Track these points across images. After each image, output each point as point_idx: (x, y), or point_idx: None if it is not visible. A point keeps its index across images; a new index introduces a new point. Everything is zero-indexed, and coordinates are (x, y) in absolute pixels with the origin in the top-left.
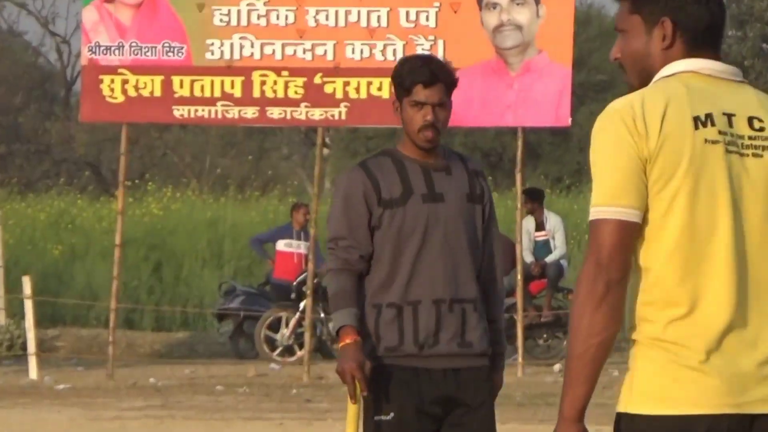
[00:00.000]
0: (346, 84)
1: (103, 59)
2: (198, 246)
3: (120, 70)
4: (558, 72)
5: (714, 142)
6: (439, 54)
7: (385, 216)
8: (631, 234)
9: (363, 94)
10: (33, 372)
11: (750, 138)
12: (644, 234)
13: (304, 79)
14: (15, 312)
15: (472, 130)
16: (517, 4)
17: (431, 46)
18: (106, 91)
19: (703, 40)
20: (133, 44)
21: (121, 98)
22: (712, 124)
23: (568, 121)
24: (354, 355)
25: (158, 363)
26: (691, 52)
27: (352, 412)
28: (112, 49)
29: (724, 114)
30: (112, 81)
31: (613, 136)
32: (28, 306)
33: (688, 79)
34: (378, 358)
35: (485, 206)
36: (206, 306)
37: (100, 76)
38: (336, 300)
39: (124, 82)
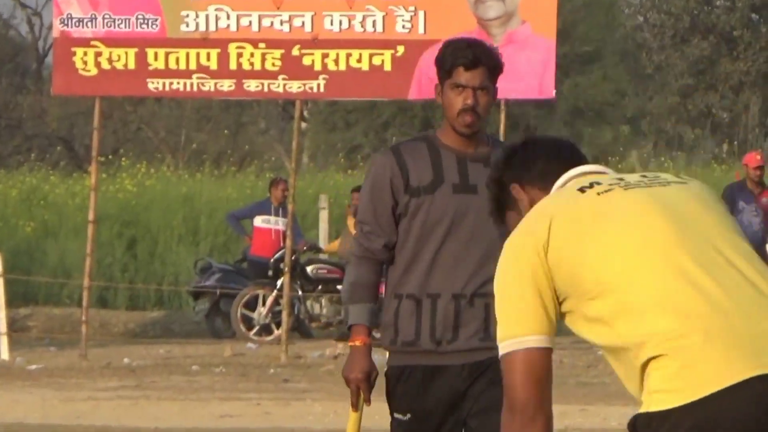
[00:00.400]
0: (325, 56)
1: (76, 31)
2: (173, 223)
3: (93, 43)
4: (541, 43)
5: (607, 190)
6: (420, 24)
7: (412, 204)
8: (547, 362)
9: (342, 66)
10: (4, 352)
11: (644, 177)
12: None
13: (282, 51)
14: None
15: None
16: None
17: (411, 17)
18: (78, 64)
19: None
20: (106, 16)
21: (94, 71)
22: (598, 184)
23: (552, 93)
24: (361, 363)
25: (132, 343)
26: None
27: (353, 419)
28: (85, 21)
29: (613, 179)
30: (85, 54)
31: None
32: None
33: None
34: (397, 352)
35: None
36: (181, 284)
37: (73, 49)
38: (353, 291)
39: (98, 54)
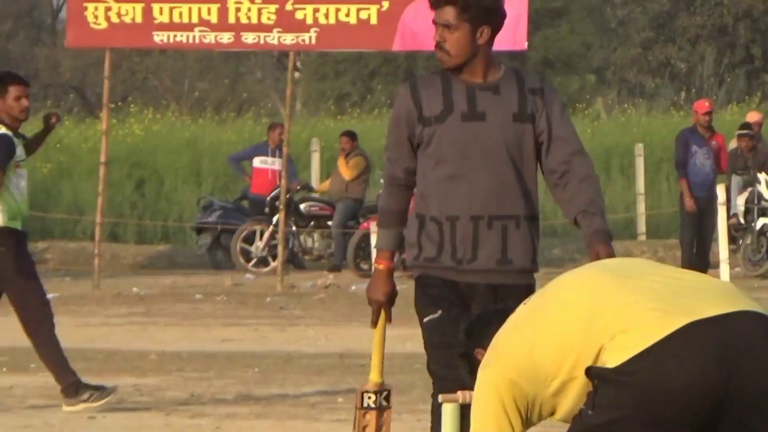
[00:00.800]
0: (316, 11)
1: (90, 14)
2: (178, 164)
3: (97, 2)
4: (514, 0)
5: None
6: None
7: (425, 133)
8: None
9: (332, 20)
10: None
11: None
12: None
13: (276, 6)
14: None
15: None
16: None
17: None
18: (90, 18)
19: None
20: None
21: (104, 25)
22: None
23: (525, 45)
24: (383, 284)
25: (141, 274)
26: None
27: (378, 338)
28: None
29: None
30: (96, 8)
31: None
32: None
33: None
34: (420, 267)
35: (541, 122)
36: (185, 220)
37: (85, 4)
38: (381, 217)
39: (107, 9)
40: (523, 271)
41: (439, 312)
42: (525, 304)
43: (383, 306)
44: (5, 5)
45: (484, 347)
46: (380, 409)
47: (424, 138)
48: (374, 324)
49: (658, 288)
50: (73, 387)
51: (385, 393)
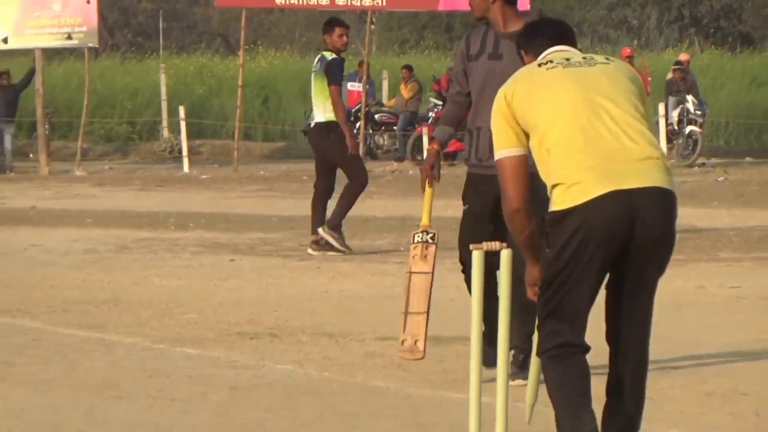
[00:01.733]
0: None
1: None
2: (291, 87)
3: None
4: None
5: (552, 68)
6: None
7: (469, 67)
8: (521, 163)
9: None
10: (186, 168)
11: (584, 58)
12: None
13: None
14: (174, 129)
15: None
16: None
17: None
18: None
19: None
20: None
21: None
22: (551, 62)
23: (528, 6)
24: (430, 159)
25: (265, 162)
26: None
27: (427, 196)
28: None
29: (563, 59)
30: None
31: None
32: (183, 125)
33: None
34: (469, 166)
35: None
36: (296, 125)
37: None
38: (441, 119)
39: None
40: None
41: (467, 206)
42: (539, 67)
43: (429, 173)
44: None
45: (526, 52)
46: (425, 243)
47: (468, 71)
48: (422, 187)
49: (604, 146)
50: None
51: (431, 234)
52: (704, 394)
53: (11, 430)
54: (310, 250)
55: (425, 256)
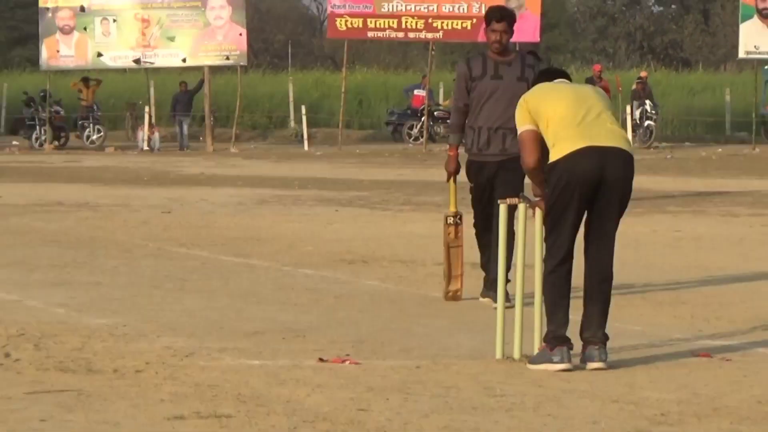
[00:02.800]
0: (443, 22)
1: (338, 11)
2: (379, 92)
3: (343, 15)
4: (531, 16)
5: (558, 83)
6: (482, 8)
7: (472, 85)
8: (535, 136)
9: (449, 26)
10: (306, 147)
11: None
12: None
13: (423, 20)
14: (298, 121)
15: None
16: None
17: (479, 7)
18: (339, 24)
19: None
20: (348, 5)
21: (343, 28)
22: (558, 82)
23: (538, 38)
24: (452, 162)
25: (359, 143)
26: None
27: (452, 189)
28: (338, 5)
29: (565, 81)
30: (340, 20)
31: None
32: (304, 119)
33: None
34: (468, 154)
35: (528, 84)
36: (381, 119)
37: (336, 19)
38: (451, 128)
39: (345, 21)
40: (513, 155)
41: (472, 184)
42: (533, 95)
43: (452, 173)
44: (287, 19)
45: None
46: (455, 225)
47: (472, 88)
48: (448, 181)
49: (583, 120)
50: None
51: (458, 216)
52: (656, 303)
53: (186, 324)
54: None
55: (457, 235)
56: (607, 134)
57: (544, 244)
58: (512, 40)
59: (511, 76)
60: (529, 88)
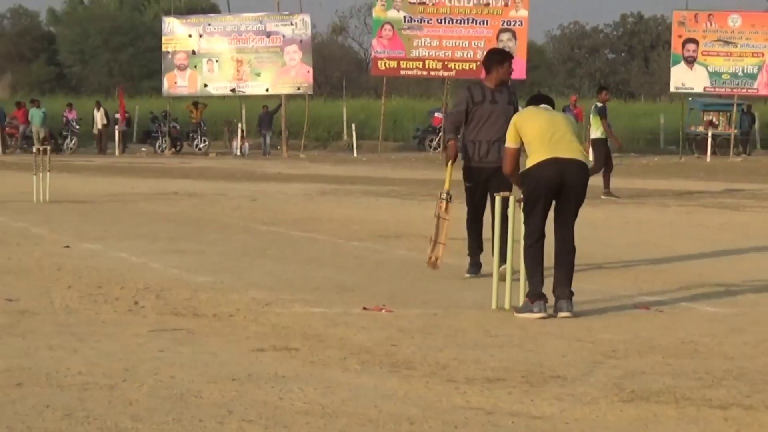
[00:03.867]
0: (456, 65)
1: (379, 55)
2: (408, 115)
3: (384, 58)
4: (519, 59)
5: (540, 109)
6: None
7: (474, 107)
8: (516, 153)
9: (463, 67)
10: (355, 154)
11: (554, 111)
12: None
13: (441, 62)
14: (349, 135)
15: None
16: None
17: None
18: (380, 65)
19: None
20: (388, 51)
21: (383, 68)
22: (540, 107)
23: (524, 75)
24: (452, 149)
25: (394, 151)
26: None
27: (448, 170)
28: (380, 51)
29: (545, 108)
30: (380, 63)
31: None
32: (354, 133)
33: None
34: (467, 161)
35: (515, 105)
36: (410, 134)
37: (378, 61)
38: (449, 128)
39: (385, 63)
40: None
41: (469, 183)
42: (520, 116)
43: (451, 157)
44: (350, 59)
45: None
46: (447, 201)
47: (472, 110)
48: (445, 164)
49: (551, 138)
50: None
51: (450, 195)
52: (608, 269)
53: (266, 281)
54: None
55: (446, 209)
56: (568, 149)
57: (525, 226)
58: None
59: (504, 102)
60: (515, 111)
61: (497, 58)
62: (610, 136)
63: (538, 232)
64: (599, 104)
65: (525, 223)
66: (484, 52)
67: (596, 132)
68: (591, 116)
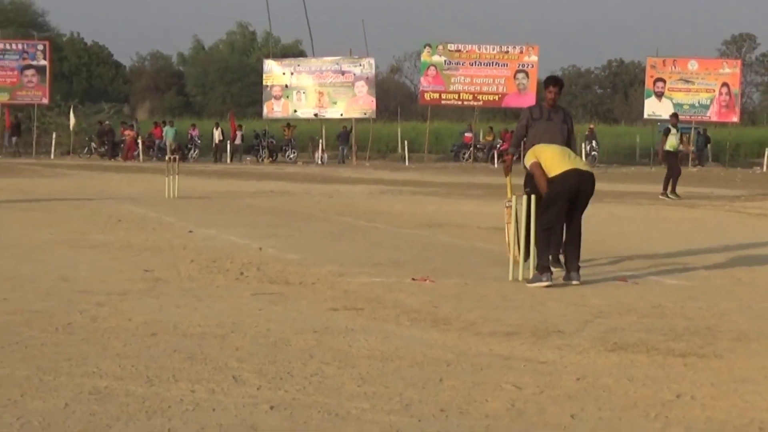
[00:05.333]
0: (483, 96)
1: (425, 89)
2: (448, 133)
3: (427, 92)
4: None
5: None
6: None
7: (533, 123)
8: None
9: (489, 99)
10: (406, 163)
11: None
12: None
13: (472, 95)
14: (402, 149)
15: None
16: None
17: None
18: (426, 96)
19: None
20: (437, 87)
21: (428, 99)
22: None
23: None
24: (508, 163)
25: (438, 161)
26: None
27: (508, 181)
28: (426, 86)
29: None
30: (426, 94)
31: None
32: (406, 147)
33: None
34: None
35: (569, 125)
36: (448, 148)
37: (424, 93)
38: (510, 146)
39: (429, 95)
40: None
41: (527, 189)
42: (537, 147)
43: (507, 170)
44: (404, 91)
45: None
46: (509, 207)
47: (532, 125)
48: (505, 175)
49: (569, 157)
50: None
51: (511, 203)
52: (597, 250)
53: (339, 258)
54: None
55: (509, 215)
56: (584, 165)
57: (542, 217)
58: (516, 105)
59: (559, 120)
60: (569, 131)
61: (545, 82)
62: (684, 147)
63: (553, 221)
64: (669, 126)
65: (543, 213)
66: (505, 88)
67: (668, 146)
68: (662, 135)
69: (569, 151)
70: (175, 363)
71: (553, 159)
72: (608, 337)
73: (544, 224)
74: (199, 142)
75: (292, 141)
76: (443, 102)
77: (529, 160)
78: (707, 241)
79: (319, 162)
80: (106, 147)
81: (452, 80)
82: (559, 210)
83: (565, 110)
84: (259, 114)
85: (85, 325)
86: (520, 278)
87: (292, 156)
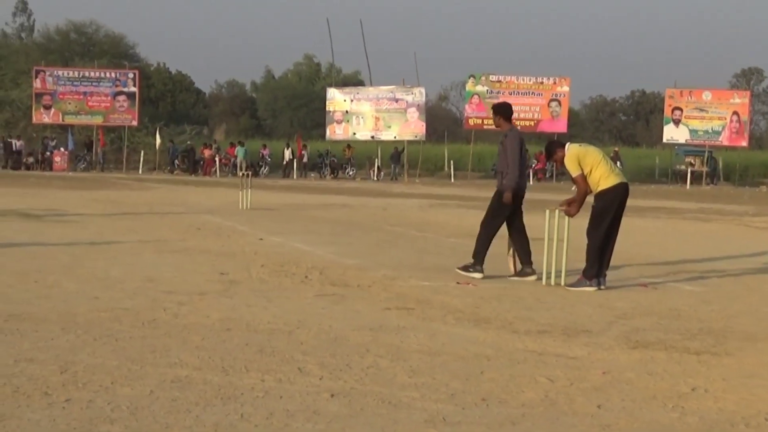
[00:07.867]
0: (518, 122)
1: (470, 115)
2: (488, 155)
3: (472, 118)
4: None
5: (588, 145)
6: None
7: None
8: (584, 176)
9: (523, 124)
10: (452, 180)
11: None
12: (594, 174)
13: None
14: (449, 167)
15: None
16: None
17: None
18: (470, 122)
19: None
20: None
21: (472, 124)
22: (584, 144)
23: (565, 129)
24: (507, 196)
25: (478, 179)
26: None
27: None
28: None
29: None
30: (470, 120)
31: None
32: (452, 165)
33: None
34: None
35: (504, 145)
36: (489, 167)
37: (469, 119)
38: (510, 181)
39: (473, 120)
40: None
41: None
42: (579, 150)
43: (508, 201)
44: (451, 117)
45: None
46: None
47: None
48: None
49: (611, 165)
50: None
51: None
52: (621, 259)
53: (393, 263)
54: None
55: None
56: (623, 176)
57: (592, 233)
58: (550, 130)
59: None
60: (504, 149)
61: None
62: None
63: (603, 235)
64: None
65: (595, 228)
66: (540, 114)
67: None
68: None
69: (604, 154)
70: (247, 355)
71: (600, 166)
72: (630, 336)
73: (598, 239)
74: (269, 160)
75: (351, 160)
76: (485, 126)
77: (576, 168)
78: (719, 251)
79: (375, 179)
80: (186, 164)
81: None
82: (608, 224)
83: (507, 133)
84: (323, 136)
85: (167, 321)
86: (552, 283)
87: (351, 173)
